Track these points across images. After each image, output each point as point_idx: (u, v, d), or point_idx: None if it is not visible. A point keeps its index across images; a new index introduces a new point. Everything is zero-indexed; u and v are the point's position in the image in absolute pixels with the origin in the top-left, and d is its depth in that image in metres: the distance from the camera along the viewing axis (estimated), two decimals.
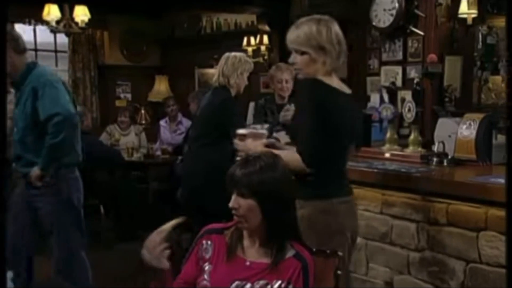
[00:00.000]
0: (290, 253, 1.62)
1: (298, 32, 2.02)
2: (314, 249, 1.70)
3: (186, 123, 5.92)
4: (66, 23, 5.10)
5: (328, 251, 1.69)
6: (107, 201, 5.14)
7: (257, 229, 1.63)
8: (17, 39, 2.88)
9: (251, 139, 2.07)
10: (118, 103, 7.03)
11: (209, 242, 1.70)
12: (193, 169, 3.42)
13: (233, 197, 1.61)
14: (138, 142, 5.89)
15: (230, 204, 1.60)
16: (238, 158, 2.03)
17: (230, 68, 3.36)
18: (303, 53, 2.02)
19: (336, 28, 2.05)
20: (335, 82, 2.04)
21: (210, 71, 6.90)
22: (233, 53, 3.48)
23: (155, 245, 1.56)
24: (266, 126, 2.17)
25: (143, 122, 6.70)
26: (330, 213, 1.97)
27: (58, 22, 5.07)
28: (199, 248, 1.71)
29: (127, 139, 5.81)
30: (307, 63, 2.03)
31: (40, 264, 3.20)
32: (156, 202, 5.33)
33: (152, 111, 7.01)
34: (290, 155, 1.96)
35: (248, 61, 3.49)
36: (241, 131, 2.13)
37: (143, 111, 6.81)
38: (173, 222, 1.61)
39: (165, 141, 5.90)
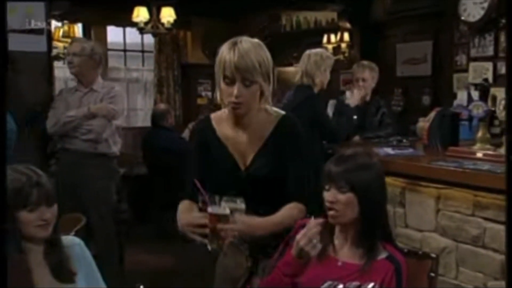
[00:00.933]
0: (382, 255, 1.60)
1: (247, 57, 1.65)
2: (406, 250, 1.67)
3: None
4: (153, 24, 5.32)
5: (420, 253, 1.65)
6: None
7: (350, 227, 1.62)
8: None
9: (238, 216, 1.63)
10: (199, 101, 7.24)
11: None
12: None
13: (330, 191, 1.60)
14: None
15: (328, 198, 1.59)
16: (211, 248, 1.63)
17: (313, 67, 3.34)
18: (251, 83, 1.68)
19: None
20: None
21: (289, 69, 6.92)
22: (313, 50, 3.47)
23: (315, 234, 1.55)
24: (241, 199, 1.67)
25: None
26: None
27: (146, 23, 5.31)
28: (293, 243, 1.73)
29: None
30: (256, 94, 1.71)
31: None
32: None
33: None
34: (287, 213, 1.75)
35: (330, 56, 3.48)
36: (219, 211, 1.60)
37: None
38: (320, 220, 1.59)
39: None
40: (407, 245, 2.60)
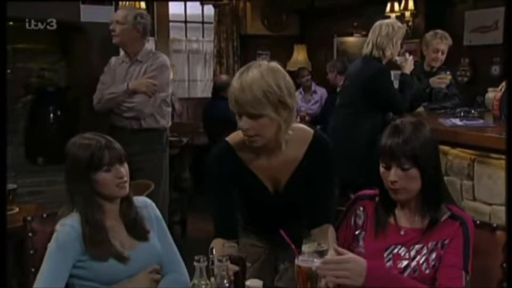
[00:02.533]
0: (446, 215, 1.57)
1: (248, 90, 1.56)
2: (478, 222, 1.62)
3: (320, 91, 5.93)
4: None
5: (495, 225, 1.60)
6: None
7: (413, 197, 1.59)
8: None
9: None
10: None
11: (361, 208, 1.70)
12: (340, 139, 3.34)
13: (391, 171, 1.55)
14: None
15: (390, 178, 1.54)
16: None
17: (384, 39, 3.23)
18: (258, 116, 1.57)
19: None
20: None
21: (349, 39, 6.78)
22: (385, 21, 3.36)
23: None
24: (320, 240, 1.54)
25: None
26: None
27: None
28: (352, 215, 1.72)
29: None
30: (268, 126, 1.60)
31: None
32: None
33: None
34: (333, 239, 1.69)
35: (401, 27, 3.35)
36: (312, 263, 1.45)
37: None
38: None
39: (299, 111, 5.96)
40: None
